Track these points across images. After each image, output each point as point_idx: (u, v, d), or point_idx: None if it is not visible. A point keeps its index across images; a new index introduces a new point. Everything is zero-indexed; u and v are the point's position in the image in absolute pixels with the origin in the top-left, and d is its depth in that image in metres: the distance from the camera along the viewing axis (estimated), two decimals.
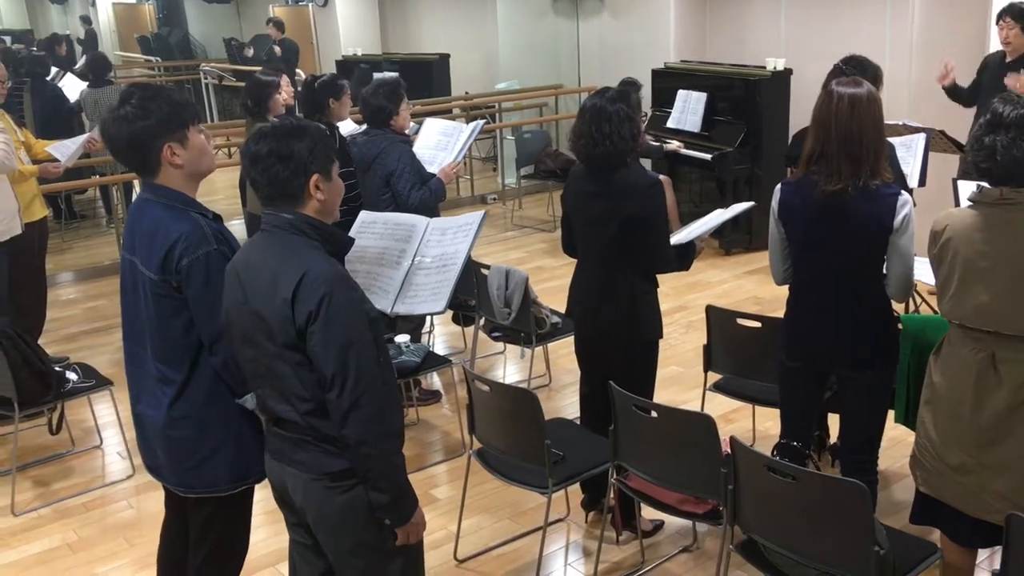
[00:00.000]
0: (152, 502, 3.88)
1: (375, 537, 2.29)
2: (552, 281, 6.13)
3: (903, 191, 2.77)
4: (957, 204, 3.74)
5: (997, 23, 5.43)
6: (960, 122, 5.53)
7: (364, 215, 3.53)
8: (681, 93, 7.41)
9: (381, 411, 2.17)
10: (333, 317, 2.11)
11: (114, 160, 6.25)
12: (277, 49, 11.00)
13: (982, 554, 2.96)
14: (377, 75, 6.92)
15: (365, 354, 2.14)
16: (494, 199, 9.30)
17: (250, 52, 12.27)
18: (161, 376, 2.48)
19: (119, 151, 2.46)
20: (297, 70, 9.74)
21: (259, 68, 7.37)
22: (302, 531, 2.43)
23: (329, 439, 2.20)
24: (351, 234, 3.80)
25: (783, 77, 7.00)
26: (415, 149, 4.78)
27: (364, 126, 4.75)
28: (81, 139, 5.26)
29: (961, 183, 3.50)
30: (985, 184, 2.52)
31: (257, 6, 14.71)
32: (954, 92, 5.68)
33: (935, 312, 2.74)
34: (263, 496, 2.63)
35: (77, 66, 10.44)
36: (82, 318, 6.37)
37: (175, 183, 2.44)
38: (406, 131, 4.63)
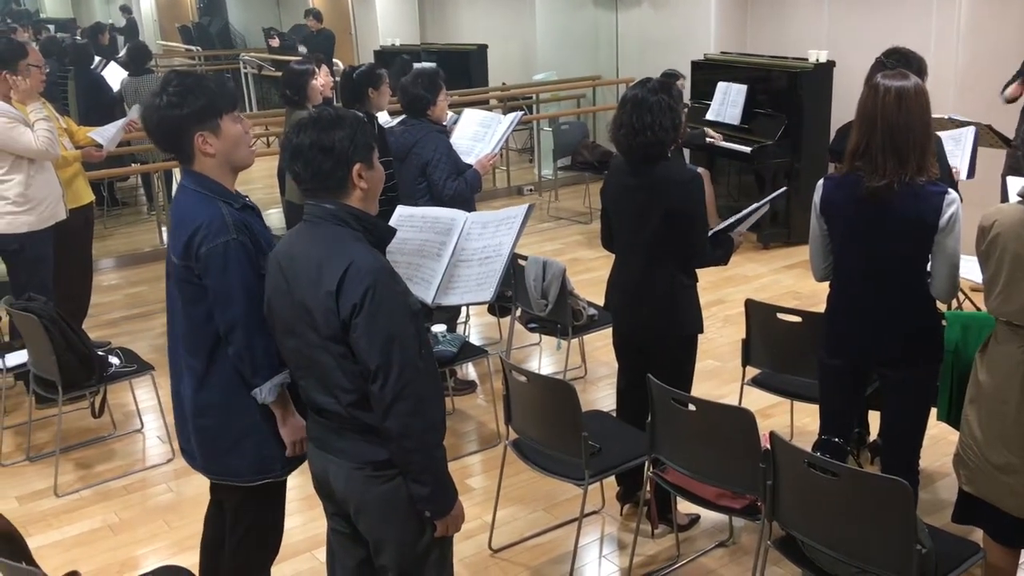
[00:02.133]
0: (191, 486, 3.93)
1: (415, 527, 2.30)
2: (588, 273, 6.11)
3: (951, 189, 2.71)
4: (1005, 200, 3.68)
5: None
6: (1008, 116, 5.44)
7: (401, 209, 3.54)
8: (721, 85, 7.35)
9: (423, 404, 2.17)
10: (377, 309, 2.11)
11: (154, 148, 6.33)
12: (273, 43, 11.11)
13: None
14: (417, 65, 6.94)
15: (408, 347, 2.15)
16: (530, 190, 9.28)
17: (276, 43, 12.35)
18: (187, 363, 2.52)
19: (155, 137, 2.48)
20: (335, 60, 9.79)
21: (297, 57, 7.41)
22: (341, 520, 2.44)
23: (371, 429, 2.20)
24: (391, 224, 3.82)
25: (825, 69, 6.90)
26: (453, 139, 4.79)
27: (399, 117, 4.76)
28: (121, 122, 5.33)
29: (1010, 179, 3.44)
30: None
31: None
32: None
33: (979, 309, 2.70)
34: (300, 482, 2.66)
35: (119, 55, 10.56)
36: (123, 304, 6.46)
37: (211, 171, 2.45)
38: (444, 121, 4.64)
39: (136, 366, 4.28)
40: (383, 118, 5.32)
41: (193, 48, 15.52)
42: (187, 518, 3.72)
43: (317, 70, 5.07)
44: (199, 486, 2.87)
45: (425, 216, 3.60)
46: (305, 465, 2.51)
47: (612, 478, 3.44)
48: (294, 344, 2.27)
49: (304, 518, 3.65)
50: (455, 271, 3.38)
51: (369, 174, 2.24)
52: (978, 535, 2.78)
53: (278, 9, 15.97)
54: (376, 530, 2.33)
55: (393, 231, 2.37)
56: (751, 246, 7.01)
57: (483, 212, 3.70)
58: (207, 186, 2.46)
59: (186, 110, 2.38)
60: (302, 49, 10.79)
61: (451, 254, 3.39)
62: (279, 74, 8.23)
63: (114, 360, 4.23)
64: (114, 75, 8.76)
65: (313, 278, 2.16)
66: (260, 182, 8.77)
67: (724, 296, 5.99)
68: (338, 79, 5.19)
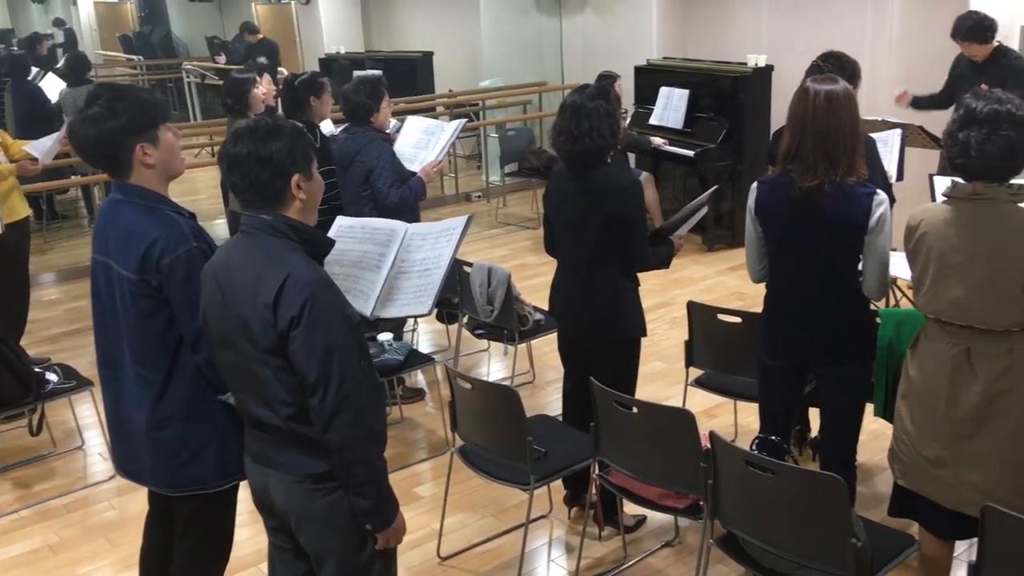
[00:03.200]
0: (134, 503, 3.87)
1: (357, 539, 2.28)
2: (537, 278, 6.13)
3: (879, 190, 2.78)
4: (933, 199, 3.77)
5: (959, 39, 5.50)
6: (940, 117, 5.57)
7: (342, 220, 3.51)
8: (663, 90, 7.43)
9: (364, 416, 2.15)
10: (316, 321, 2.09)
11: None
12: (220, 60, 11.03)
13: (959, 546, 2.99)
14: (359, 73, 6.91)
15: (348, 359, 2.13)
16: (478, 197, 9.30)
17: (221, 60, 12.24)
18: (140, 378, 2.47)
19: (88, 152, 2.44)
20: (280, 68, 9.70)
21: (240, 66, 7.35)
22: (282, 534, 2.42)
23: (311, 442, 2.18)
24: (330, 235, 3.79)
25: (764, 73, 7.02)
26: (397, 147, 4.78)
27: (343, 125, 4.74)
28: (57, 135, 5.24)
29: (937, 178, 3.53)
30: (959, 179, 2.54)
31: (240, 4, 14.65)
32: (920, 104, 5.73)
33: (914, 306, 2.77)
34: (246, 495, 2.63)
35: (58, 66, 10.37)
36: (64, 319, 6.34)
37: (148, 183, 2.43)
38: (387, 129, 4.63)
39: (75, 382, 4.20)
40: (327, 127, 5.29)
41: (134, 58, 15.28)
42: (130, 535, 3.66)
43: (259, 79, 5.03)
44: (143, 502, 2.82)
45: (365, 227, 3.58)
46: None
47: (560, 481, 3.47)
48: (231, 357, 2.24)
49: (251, 531, 3.60)
50: (395, 283, 3.37)
51: (308, 185, 2.22)
52: (915, 528, 2.84)
53: (221, 18, 15.80)
54: (318, 543, 2.31)
55: (331, 242, 2.36)
56: (696, 248, 7.10)
57: (423, 223, 3.70)
58: (150, 198, 2.43)
59: (123, 120, 2.35)
60: (262, 61, 10.74)
61: (391, 266, 3.38)
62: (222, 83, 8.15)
63: (52, 377, 4.15)
64: (52, 86, 8.60)
65: (250, 290, 2.14)
66: (205, 192, 8.67)
67: (670, 298, 6.06)
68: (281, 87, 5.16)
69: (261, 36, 11.53)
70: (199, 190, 8.75)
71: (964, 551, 3.16)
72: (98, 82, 9.15)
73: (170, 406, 2.47)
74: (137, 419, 2.50)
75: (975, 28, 5.37)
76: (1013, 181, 2.49)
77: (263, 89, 5.01)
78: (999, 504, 2.29)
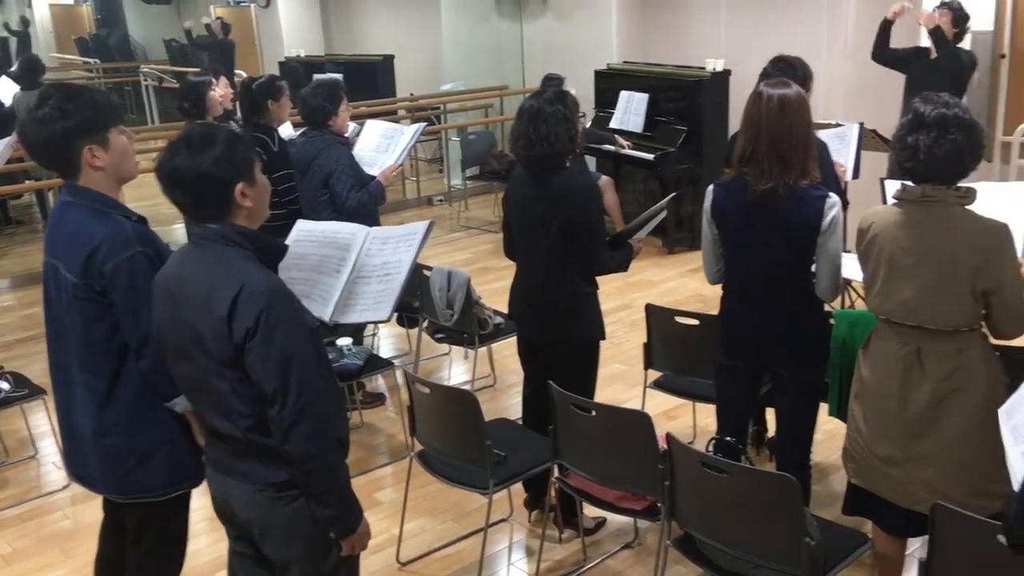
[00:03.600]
0: (89, 512, 3.81)
1: (322, 547, 2.26)
2: (499, 282, 6.12)
3: (831, 193, 2.81)
4: (884, 202, 3.83)
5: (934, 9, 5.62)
6: (894, 121, 5.67)
7: (301, 224, 3.49)
8: (623, 94, 7.48)
9: (324, 425, 2.13)
10: (272, 332, 2.05)
11: None
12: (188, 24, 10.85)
13: (912, 544, 3.03)
14: (318, 76, 6.87)
15: (306, 368, 2.10)
16: (440, 200, 9.29)
17: (189, 24, 12.05)
18: (86, 384, 2.44)
19: (37, 154, 2.41)
20: (238, 71, 9.64)
21: (197, 69, 7.27)
22: (244, 543, 2.39)
23: (271, 452, 2.15)
24: (288, 240, 3.76)
25: (722, 78, 7.09)
26: (356, 151, 4.76)
27: (301, 129, 4.71)
28: (8, 139, 5.14)
29: (888, 182, 3.58)
30: (909, 182, 2.58)
31: (198, 7, 14.51)
32: (885, 33, 5.82)
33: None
34: (204, 503, 2.60)
35: (12, 69, 10.19)
36: (17, 325, 6.23)
37: (97, 185, 2.40)
38: (345, 133, 4.61)
39: (27, 391, 4.12)
40: (286, 130, 5.26)
41: (91, 61, 15.06)
42: (85, 545, 3.60)
43: (215, 81, 4.98)
44: (97, 512, 2.78)
45: (325, 231, 3.56)
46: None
47: (520, 485, 3.47)
48: (187, 369, 2.21)
49: (209, 540, 3.57)
50: (354, 288, 3.35)
51: (253, 191, 2.17)
52: (869, 526, 2.88)
53: (179, 20, 15.62)
54: (282, 552, 2.28)
55: (285, 248, 2.33)
56: (656, 251, 7.14)
57: (384, 228, 3.69)
58: (99, 200, 2.39)
59: (72, 122, 2.32)
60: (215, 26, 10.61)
61: (350, 270, 3.36)
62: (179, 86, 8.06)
63: (4, 385, 4.07)
64: (6, 89, 8.45)
65: (204, 302, 2.10)
66: (163, 196, 8.54)
67: (630, 301, 6.09)
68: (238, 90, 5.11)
69: (223, 37, 11.44)
70: (157, 194, 8.58)
71: (917, 548, 3.20)
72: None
73: (116, 413, 2.44)
74: (84, 425, 2.47)
75: (960, 11, 5.52)
76: (960, 184, 2.54)
77: (220, 92, 4.96)
78: (950, 501, 2.34)
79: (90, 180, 2.39)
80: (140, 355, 2.38)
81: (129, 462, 2.47)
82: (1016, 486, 1.99)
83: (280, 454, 2.13)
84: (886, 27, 5.79)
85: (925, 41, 5.89)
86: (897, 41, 5.86)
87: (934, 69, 5.52)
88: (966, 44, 5.81)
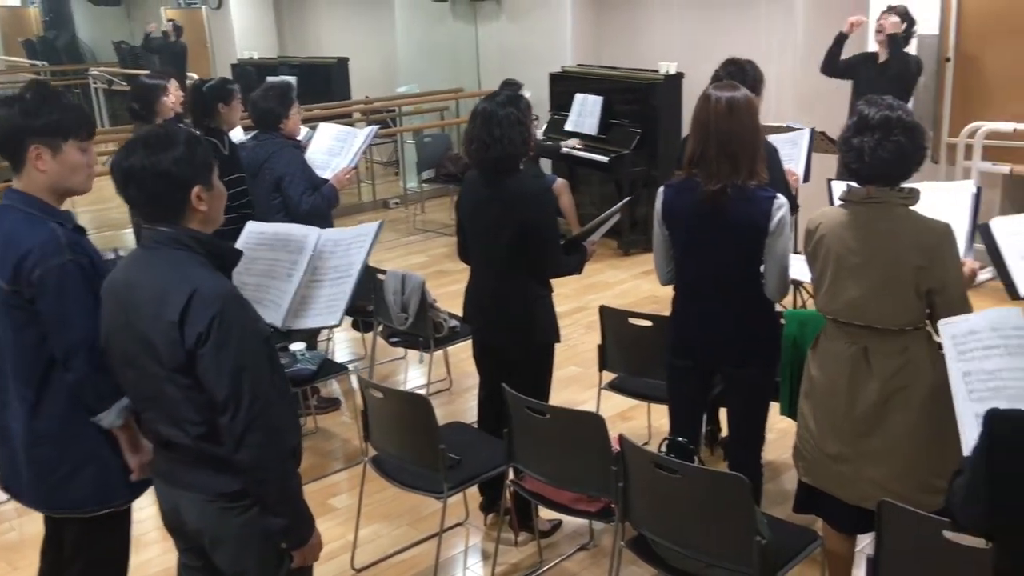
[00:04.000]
0: (36, 524, 3.68)
1: (274, 556, 2.23)
2: (455, 285, 6.06)
3: (779, 194, 2.84)
4: (832, 203, 3.88)
5: (880, 15, 5.71)
6: (843, 124, 5.75)
7: (252, 225, 3.44)
8: (578, 97, 7.51)
9: (276, 434, 2.10)
10: (225, 338, 2.02)
11: None
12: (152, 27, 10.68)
13: (862, 540, 3.07)
14: (271, 79, 6.81)
15: (259, 375, 2.07)
16: (396, 203, 9.25)
17: (151, 27, 11.86)
18: (17, 392, 2.39)
19: None
20: (190, 74, 9.52)
21: (148, 72, 7.16)
22: (193, 555, 2.34)
23: (223, 461, 2.11)
24: (238, 245, 3.71)
25: (675, 81, 7.15)
26: (308, 154, 4.72)
27: (251, 133, 4.66)
28: None
29: (835, 183, 3.64)
30: (854, 184, 2.62)
31: (148, 8, 14.31)
32: (837, 48, 5.88)
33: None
34: (155, 512, 2.56)
35: None
36: None
37: (39, 190, 2.35)
38: (297, 136, 4.57)
39: None
40: (238, 134, 5.20)
41: (39, 63, 14.77)
42: (30, 558, 3.48)
43: (168, 85, 4.90)
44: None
45: (276, 234, 3.52)
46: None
47: (476, 489, 3.46)
48: (136, 377, 2.16)
49: (160, 548, 3.52)
50: (307, 292, 3.31)
51: (209, 195, 2.14)
52: (820, 523, 2.91)
53: (129, 22, 15.40)
54: (233, 563, 2.25)
55: (239, 253, 2.29)
56: (612, 253, 7.18)
57: (335, 229, 3.66)
58: (36, 206, 2.34)
59: (30, 118, 2.29)
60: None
61: (303, 274, 3.32)
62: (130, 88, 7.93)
63: None
64: None
65: (154, 308, 2.05)
66: (114, 200, 8.35)
67: (586, 303, 6.11)
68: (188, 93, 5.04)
69: (176, 39, 11.30)
70: (107, 198, 8.43)
71: (867, 544, 3.25)
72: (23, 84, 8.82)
73: (44, 423, 2.39)
74: (16, 432, 2.42)
75: (906, 15, 5.61)
76: (904, 185, 2.58)
77: (173, 97, 4.89)
78: (898, 498, 2.37)
79: (32, 182, 2.35)
80: (67, 366, 2.33)
81: (57, 475, 2.42)
82: (966, 450, 2.01)
83: (232, 463, 2.10)
84: (840, 41, 5.86)
85: (872, 46, 5.98)
86: (847, 47, 5.95)
87: (882, 73, 5.62)
88: (912, 48, 5.91)
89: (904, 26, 5.66)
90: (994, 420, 1.51)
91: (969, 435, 2.13)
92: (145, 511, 2.63)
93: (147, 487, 2.50)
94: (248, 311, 2.13)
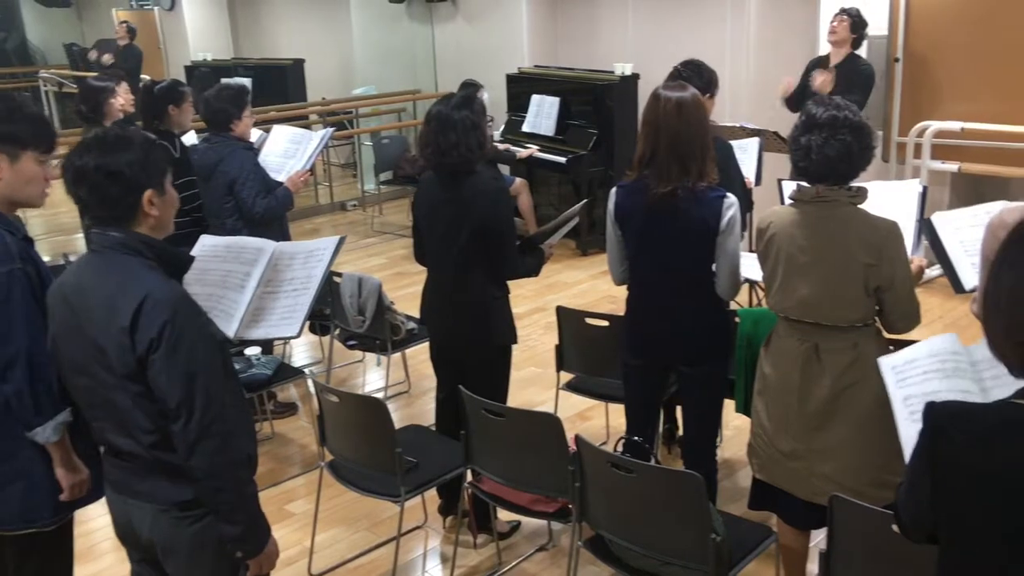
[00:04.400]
0: None
1: (228, 566, 2.20)
2: (415, 287, 6.00)
3: (729, 194, 2.87)
4: (782, 202, 3.92)
5: (833, 19, 5.77)
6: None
7: (205, 239, 3.40)
8: (535, 98, 7.52)
9: (231, 441, 2.07)
10: (177, 344, 1.99)
11: None
12: (107, 58, 10.51)
13: (816, 535, 3.10)
14: (226, 80, 6.73)
15: (212, 381, 2.04)
16: (354, 205, 9.20)
17: (110, 58, 11.66)
18: None
19: None
20: (144, 76, 9.38)
21: (95, 73, 7.05)
22: (147, 565, 2.31)
23: (176, 469, 2.08)
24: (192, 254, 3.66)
25: (631, 81, 7.18)
26: (262, 157, 4.68)
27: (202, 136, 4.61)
28: None
29: (785, 182, 3.68)
30: (804, 183, 2.65)
31: (99, 10, 14.09)
32: (790, 101, 5.97)
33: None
34: (110, 521, 2.52)
35: None
36: None
37: None
38: (249, 138, 4.52)
39: None
40: (190, 138, 5.14)
41: None
42: None
43: (117, 87, 4.82)
44: None
45: (230, 246, 3.48)
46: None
47: (434, 491, 3.45)
48: (86, 383, 2.12)
49: (114, 559, 3.45)
50: (261, 303, 3.28)
51: (161, 201, 2.10)
52: (775, 520, 2.94)
53: (80, 24, 15.15)
54: (188, 573, 2.21)
55: (191, 259, 2.26)
56: (570, 253, 7.20)
57: (292, 243, 3.63)
58: None
59: None
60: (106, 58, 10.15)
61: (256, 285, 3.29)
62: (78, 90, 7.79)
63: None
64: None
65: (105, 313, 2.02)
66: (65, 205, 8.19)
67: (545, 304, 6.12)
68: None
69: (130, 42, 11.11)
70: (58, 203, 8.30)
71: (821, 539, 3.28)
72: None
73: None
74: None
75: (858, 18, 5.66)
76: (853, 184, 2.62)
77: (122, 99, 4.81)
78: (850, 493, 2.40)
79: None
80: (5, 377, 2.27)
81: None
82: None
83: (185, 472, 2.07)
84: (787, 100, 5.93)
85: (824, 48, 6.05)
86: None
87: (837, 76, 5.65)
88: (862, 49, 5.99)
89: (850, 27, 5.71)
90: (933, 411, 1.53)
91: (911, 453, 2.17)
92: (99, 520, 2.58)
93: (76, 508, 2.47)
94: (200, 316, 2.11)
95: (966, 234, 3.11)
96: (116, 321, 2.00)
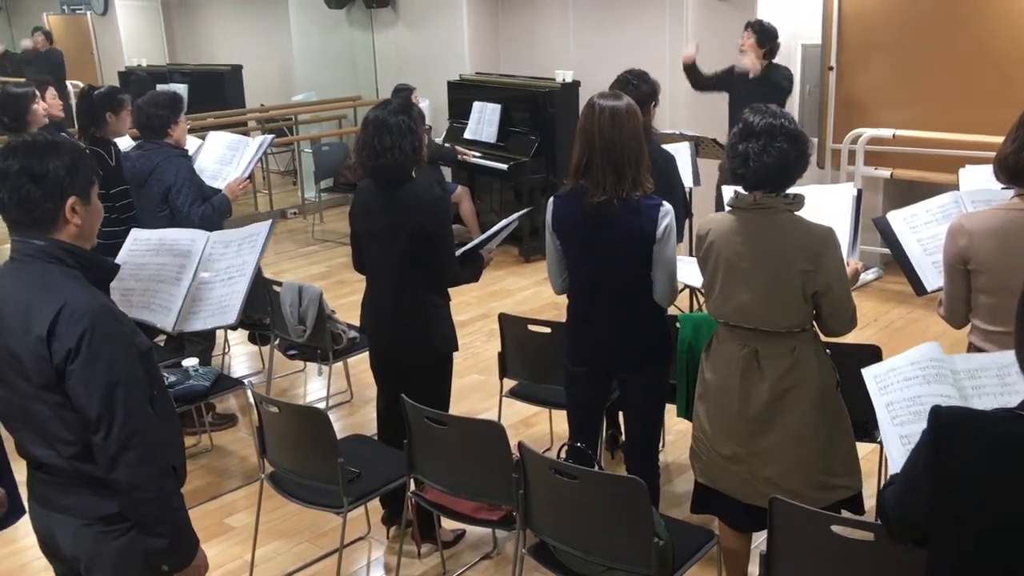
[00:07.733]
0: None
1: None
2: (356, 295, 5.92)
3: (664, 202, 2.88)
4: (721, 208, 3.97)
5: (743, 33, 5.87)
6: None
7: (136, 232, 3.34)
8: (476, 105, 7.52)
9: (154, 451, 2.03)
10: (96, 354, 1.95)
11: None
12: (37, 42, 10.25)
13: (758, 538, 3.14)
14: (161, 87, 6.63)
15: (134, 392, 2.00)
16: (294, 213, 9.10)
17: (41, 40, 11.33)
18: None
19: None
20: (74, 81, 9.17)
21: (22, 79, 6.89)
22: None
23: (99, 482, 2.03)
24: (122, 252, 3.59)
25: (572, 88, 7.22)
26: (198, 164, 4.60)
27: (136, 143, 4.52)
28: None
29: (725, 188, 3.72)
30: (741, 189, 2.68)
31: (30, 14, 13.71)
32: (691, 71, 6.06)
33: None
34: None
35: None
36: None
37: None
38: (184, 145, 4.44)
39: None
40: (124, 143, 5.02)
41: None
42: None
43: (39, 93, 4.70)
44: None
45: (163, 239, 3.42)
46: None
47: (378, 501, 3.41)
48: (4, 394, 2.06)
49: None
50: (198, 294, 3.23)
51: (84, 210, 2.06)
52: (717, 523, 2.97)
53: (10, 28, 14.75)
54: None
55: (116, 267, 2.21)
56: (513, 260, 7.20)
57: (224, 231, 3.58)
58: None
59: None
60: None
61: (192, 277, 3.24)
62: None
63: None
64: None
65: (21, 322, 1.97)
66: None
67: (488, 310, 6.10)
68: (74, 101, 4.86)
69: (50, 47, 10.84)
70: None
71: (762, 542, 3.32)
72: None
73: None
74: None
75: (762, 32, 5.74)
76: (789, 191, 2.66)
77: (46, 104, 4.69)
78: (791, 495, 2.43)
79: None
80: None
81: None
82: (895, 468, 2.08)
83: (108, 484, 2.02)
84: (688, 68, 6.05)
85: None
86: (718, 62, 6.10)
87: (757, 86, 5.72)
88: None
89: (757, 43, 5.76)
90: (939, 415, 1.54)
91: (896, 455, 2.23)
92: (31, 538, 2.50)
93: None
94: (123, 325, 2.06)
95: (923, 232, 3.13)
96: (33, 330, 1.96)
